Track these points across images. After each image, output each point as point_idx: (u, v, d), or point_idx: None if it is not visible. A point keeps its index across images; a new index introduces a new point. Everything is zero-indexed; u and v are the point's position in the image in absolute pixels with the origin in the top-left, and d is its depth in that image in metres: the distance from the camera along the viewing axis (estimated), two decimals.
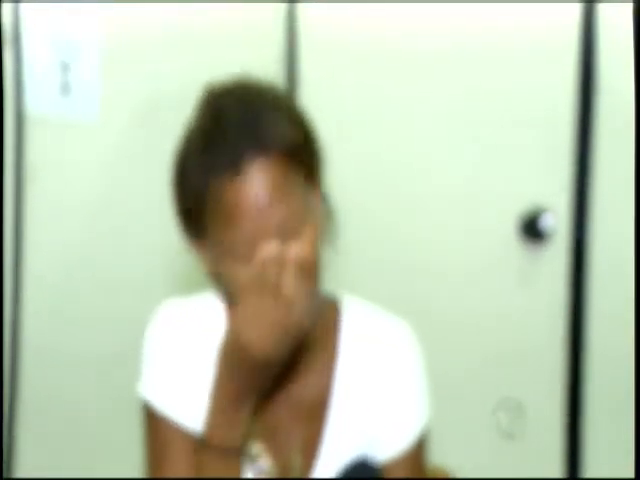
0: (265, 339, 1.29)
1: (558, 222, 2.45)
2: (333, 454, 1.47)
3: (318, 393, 1.47)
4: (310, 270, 1.31)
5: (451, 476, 1.86)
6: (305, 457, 1.47)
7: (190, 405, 1.44)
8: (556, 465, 2.52)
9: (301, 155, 1.38)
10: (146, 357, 1.50)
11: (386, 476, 1.49)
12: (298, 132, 1.39)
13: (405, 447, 1.49)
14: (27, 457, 2.37)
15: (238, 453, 1.36)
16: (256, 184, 1.33)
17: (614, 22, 2.41)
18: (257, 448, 1.45)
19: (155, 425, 1.47)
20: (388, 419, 1.48)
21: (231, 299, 1.39)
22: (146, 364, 1.49)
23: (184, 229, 1.44)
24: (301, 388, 1.47)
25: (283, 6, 2.34)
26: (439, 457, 1.86)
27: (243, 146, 1.34)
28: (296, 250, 1.29)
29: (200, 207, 1.36)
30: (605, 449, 2.52)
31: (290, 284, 1.28)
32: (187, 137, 1.42)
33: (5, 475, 2.32)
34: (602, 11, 2.40)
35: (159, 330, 1.49)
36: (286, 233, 1.34)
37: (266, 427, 1.46)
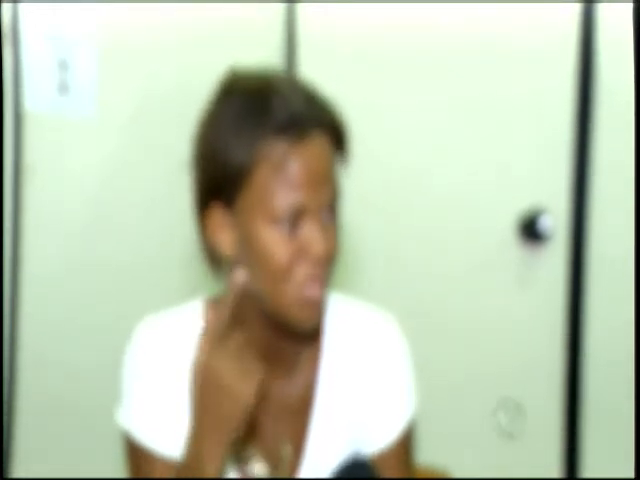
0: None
1: (557, 223, 2.45)
2: (320, 449, 1.46)
3: (304, 389, 1.46)
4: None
5: (450, 476, 1.85)
6: (293, 452, 1.46)
7: (172, 434, 1.42)
8: (555, 465, 2.52)
9: (344, 138, 1.40)
10: (125, 383, 1.46)
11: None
12: (342, 116, 1.40)
13: (393, 439, 1.48)
14: (25, 457, 2.37)
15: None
16: (319, 153, 1.34)
17: (613, 22, 2.41)
18: (247, 450, 1.45)
19: (137, 456, 1.45)
20: (375, 412, 1.47)
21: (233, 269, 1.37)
22: (126, 391, 1.46)
23: (208, 197, 1.36)
24: (287, 385, 1.46)
25: (282, 6, 2.34)
26: (438, 457, 1.85)
27: (302, 111, 1.33)
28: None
29: (245, 170, 1.31)
30: (603, 449, 2.51)
31: None
32: (220, 108, 1.36)
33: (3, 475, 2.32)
34: (601, 11, 2.40)
35: (138, 355, 1.44)
36: (331, 209, 1.35)
37: (253, 426, 1.45)
